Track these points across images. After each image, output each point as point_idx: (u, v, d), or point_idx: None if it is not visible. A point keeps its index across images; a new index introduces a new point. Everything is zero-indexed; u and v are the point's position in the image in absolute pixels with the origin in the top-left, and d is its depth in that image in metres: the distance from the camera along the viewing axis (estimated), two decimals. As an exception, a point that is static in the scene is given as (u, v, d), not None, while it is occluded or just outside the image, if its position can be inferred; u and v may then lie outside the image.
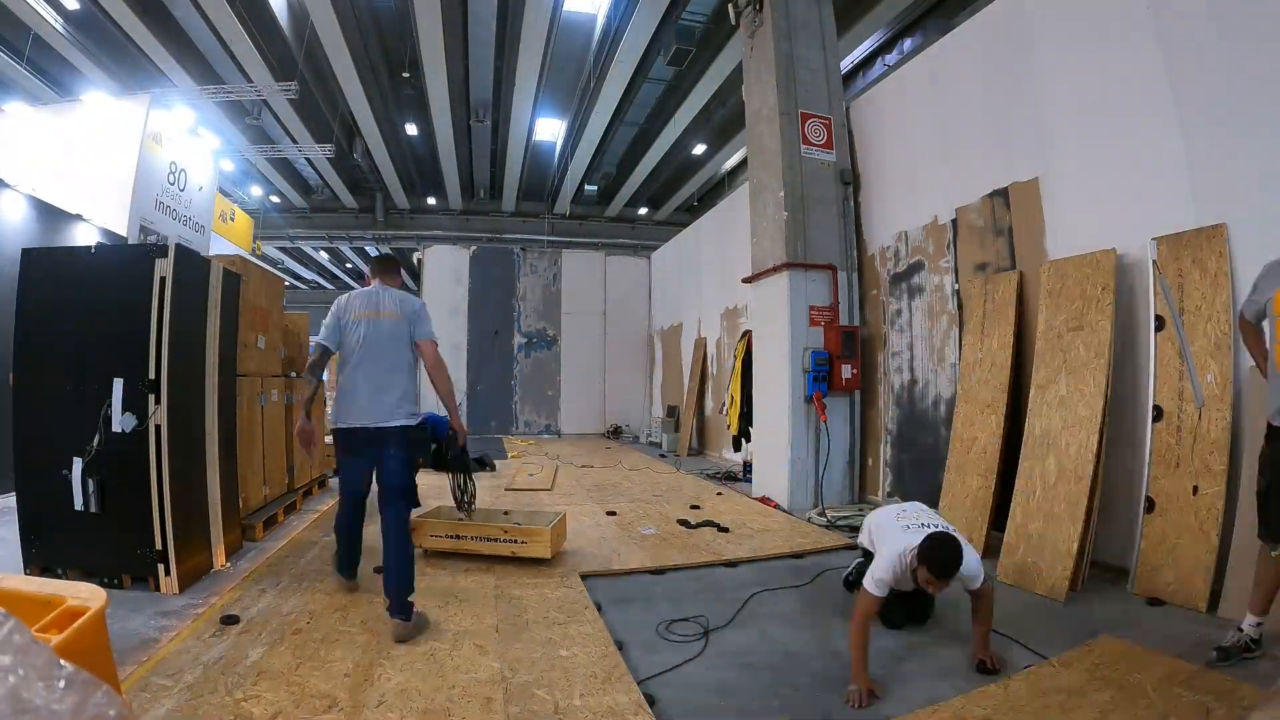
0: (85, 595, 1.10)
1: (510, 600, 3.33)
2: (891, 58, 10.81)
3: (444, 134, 15.34)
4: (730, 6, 6.74)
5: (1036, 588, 3.50)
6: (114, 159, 8.57)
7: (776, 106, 5.96)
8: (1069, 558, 3.42)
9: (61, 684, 0.53)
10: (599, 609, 3.22)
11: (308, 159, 16.68)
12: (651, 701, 2.32)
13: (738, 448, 7.80)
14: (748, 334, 7.12)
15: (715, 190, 18.68)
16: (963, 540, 2.65)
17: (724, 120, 14.36)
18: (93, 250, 3.68)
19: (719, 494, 6.39)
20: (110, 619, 2.80)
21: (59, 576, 3.40)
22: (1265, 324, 2.61)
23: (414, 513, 3.26)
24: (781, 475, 5.82)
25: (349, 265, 28.88)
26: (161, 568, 3.32)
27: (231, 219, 13.98)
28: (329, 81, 13.41)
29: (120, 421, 3.31)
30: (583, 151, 16.02)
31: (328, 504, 5.85)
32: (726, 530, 4.83)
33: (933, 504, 4.68)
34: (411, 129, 16.44)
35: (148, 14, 10.90)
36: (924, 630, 3.02)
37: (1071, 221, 4.11)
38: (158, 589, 3.32)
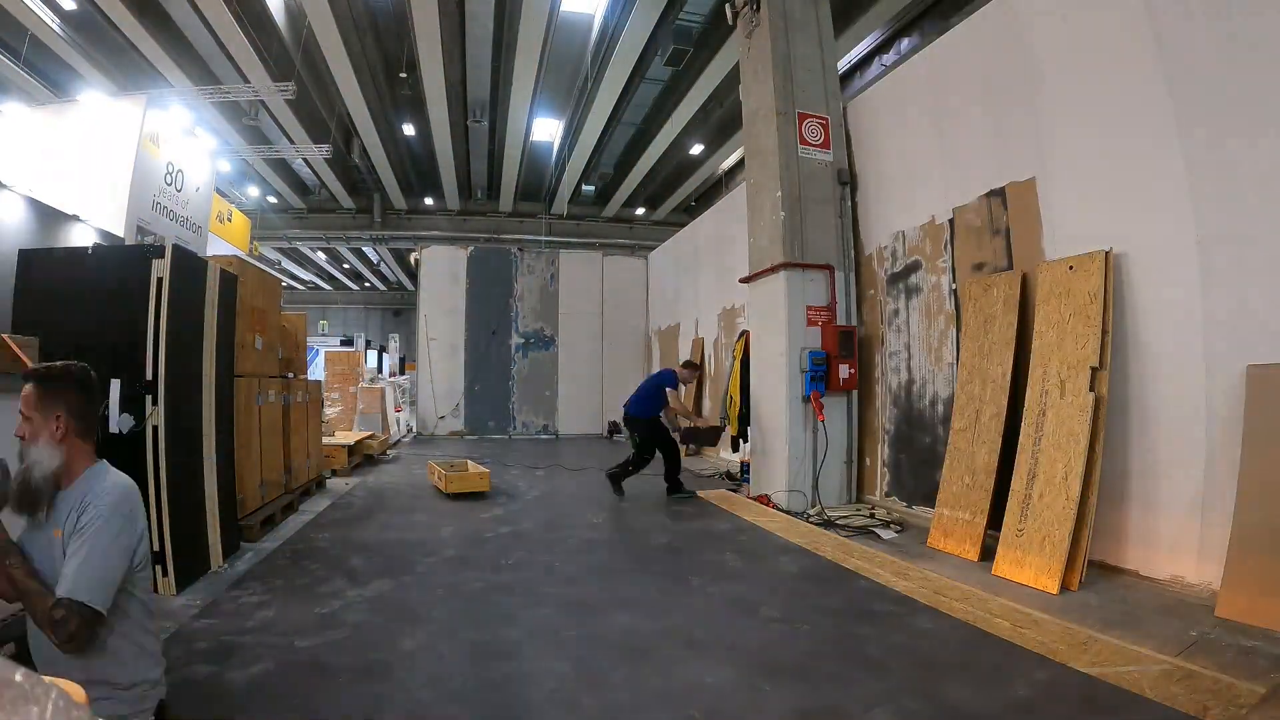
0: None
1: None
2: (889, 58, 10.81)
3: (441, 134, 15.31)
4: (728, 6, 6.73)
5: (1033, 583, 3.51)
6: (111, 160, 8.53)
7: (774, 106, 5.96)
8: (1063, 554, 3.43)
9: None
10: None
11: (305, 159, 16.63)
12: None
13: (735, 448, 7.80)
14: (745, 334, 7.12)
15: (713, 190, 18.66)
16: None
17: (721, 120, 14.36)
18: (90, 251, 3.67)
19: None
20: (107, 620, 2.84)
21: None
22: None
23: None
24: (779, 475, 5.82)
25: (346, 266, 28.86)
26: (158, 569, 3.32)
27: (229, 219, 13.93)
28: (326, 82, 13.39)
29: (118, 422, 3.31)
30: (580, 151, 15.99)
31: (325, 505, 5.84)
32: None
33: (930, 504, 4.71)
34: (409, 129, 16.41)
35: (144, 14, 10.87)
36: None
37: (1069, 221, 4.12)
38: (155, 590, 3.31)
